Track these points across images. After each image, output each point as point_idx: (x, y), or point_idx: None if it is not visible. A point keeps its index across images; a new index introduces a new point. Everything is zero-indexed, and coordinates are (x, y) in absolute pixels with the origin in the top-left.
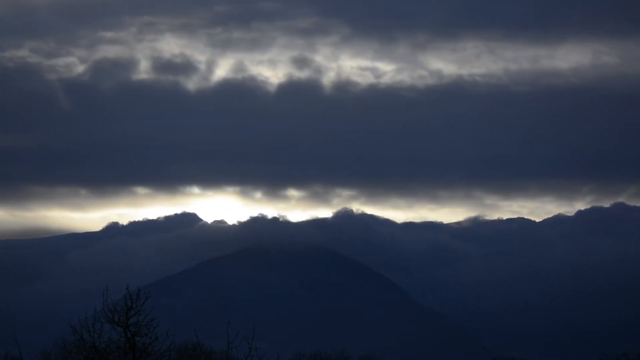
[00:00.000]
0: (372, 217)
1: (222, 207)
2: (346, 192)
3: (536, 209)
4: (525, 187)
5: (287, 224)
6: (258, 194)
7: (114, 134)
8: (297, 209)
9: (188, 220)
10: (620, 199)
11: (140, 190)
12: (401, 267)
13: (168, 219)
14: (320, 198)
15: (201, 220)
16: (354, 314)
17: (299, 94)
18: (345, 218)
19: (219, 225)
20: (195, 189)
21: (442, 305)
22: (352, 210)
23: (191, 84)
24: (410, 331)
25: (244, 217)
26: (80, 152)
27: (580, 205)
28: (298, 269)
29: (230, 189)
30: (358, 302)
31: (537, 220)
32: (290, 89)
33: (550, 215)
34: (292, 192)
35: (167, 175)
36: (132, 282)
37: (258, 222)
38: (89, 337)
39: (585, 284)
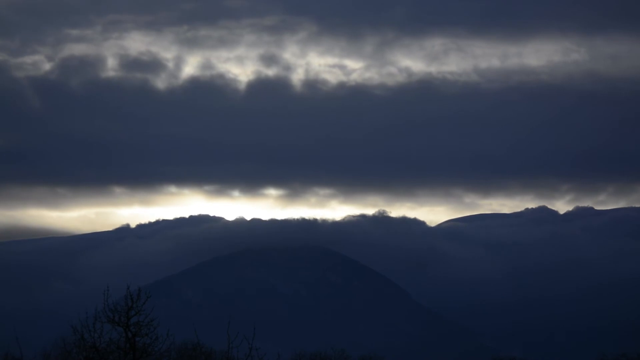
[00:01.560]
0: (375, 217)
1: (200, 206)
2: (324, 191)
3: (515, 206)
4: (505, 186)
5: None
6: (235, 192)
7: (86, 132)
8: (276, 207)
9: (198, 220)
10: (600, 198)
11: (117, 189)
12: (401, 266)
13: (179, 220)
14: (298, 196)
15: (211, 220)
16: (354, 314)
17: (269, 92)
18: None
19: (228, 224)
20: (173, 188)
21: (442, 305)
22: (389, 213)
23: (160, 81)
24: (410, 331)
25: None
26: (53, 150)
27: (560, 204)
28: (298, 269)
29: (208, 187)
30: (358, 302)
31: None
32: (260, 86)
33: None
34: (270, 191)
35: (143, 174)
36: (132, 282)
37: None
38: (90, 337)
39: (585, 284)
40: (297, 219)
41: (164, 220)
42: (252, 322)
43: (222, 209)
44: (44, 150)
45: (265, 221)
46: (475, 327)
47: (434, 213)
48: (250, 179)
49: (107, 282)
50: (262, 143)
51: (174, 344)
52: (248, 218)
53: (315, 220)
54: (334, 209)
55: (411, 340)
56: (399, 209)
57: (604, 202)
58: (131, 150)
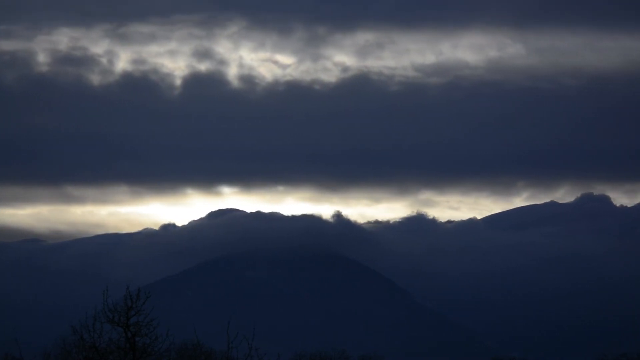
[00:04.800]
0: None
1: (158, 206)
2: (277, 187)
3: (474, 204)
4: (460, 182)
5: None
6: (189, 190)
7: (30, 129)
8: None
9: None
10: (557, 194)
11: (69, 187)
12: (401, 266)
13: (178, 220)
14: (259, 193)
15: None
16: (354, 314)
17: (206, 87)
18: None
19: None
20: (123, 187)
21: (442, 305)
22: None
23: (94, 76)
24: (410, 331)
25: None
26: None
27: (518, 201)
28: (298, 269)
29: (165, 184)
30: (358, 302)
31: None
32: (195, 81)
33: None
34: (224, 189)
35: (94, 172)
36: (133, 282)
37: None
38: (89, 337)
39: (585, 284)
40: (296, 218)
41: (162, 220)
42: (252, 322)
43: (181, 210)
44: None
45: (265, 221)
46: (475, 327)
47: (392, 210)
48: (203, 176)
49: (109, 282)
50: (210, 140)
51: (174, 344)
52: (244, 216)
53: (312, 221)
54: (290, 205)
55: (411, 341)
56: (355, 206)
57: (562, 199)
58: (79, 147)
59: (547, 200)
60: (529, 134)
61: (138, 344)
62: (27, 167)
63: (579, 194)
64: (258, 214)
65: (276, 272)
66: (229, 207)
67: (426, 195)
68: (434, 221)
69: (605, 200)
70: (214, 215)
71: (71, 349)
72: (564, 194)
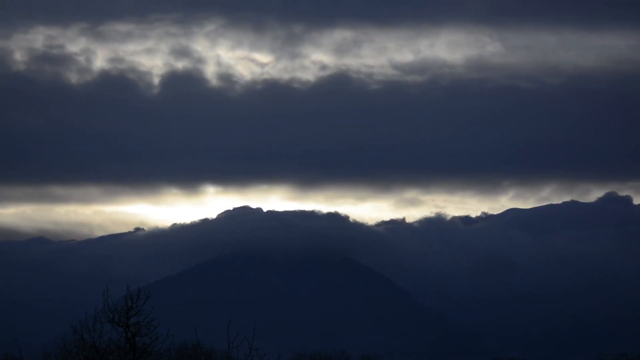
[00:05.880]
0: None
1: (145, 207)
2: (262, 186)
3: (460, 202)
4: (446, 182)
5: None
6: (173, 189)
7: (11, 128)
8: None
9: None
10: (543, 194)
11: (53, 186)
12: (401, 266)
13: (178, 219)
14: (242, 192)
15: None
16: (354, 314)
17: (184, 85)
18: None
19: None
20: (107, 186)
21: (442, 304)
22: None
23: (72, 75)
24: (410, 331)
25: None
26: None
27: (504, 200)
28: (298, 269)
29: (148, 183)
30: (358, 302)
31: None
32: (172, 79)
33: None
34: (209, 188)
35: (77, 172)
36: (133, 282)
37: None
38: (89, 337)
39: (585, 284)
40: (296, 217)
41: (163, 220)
42: (252, 322)
43: (165, 211)
44: None
45: (264, 220)
46: (475, 327)
47: (378, 210)
48: (186, 175)
49: (109, 282)
50: (192, 139)
51: (174, 344)
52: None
53: (310, 221)
54: (277, 204)
55: (411, 341)
56: (342, 205)
57: (548, 198)
58: (64, 146)
59: (533, 199)
60: (513, 132)
61: (138, 344)
62: (10, 166)
63: (602, 194)
64: (263, 213)
65: (276, 272)
66: (235, 206)
67: (411, 194)
68: (440, 220)
69: (628, 201)
70: (216, 215)
71: (71, 349)
72: (551, 193)
